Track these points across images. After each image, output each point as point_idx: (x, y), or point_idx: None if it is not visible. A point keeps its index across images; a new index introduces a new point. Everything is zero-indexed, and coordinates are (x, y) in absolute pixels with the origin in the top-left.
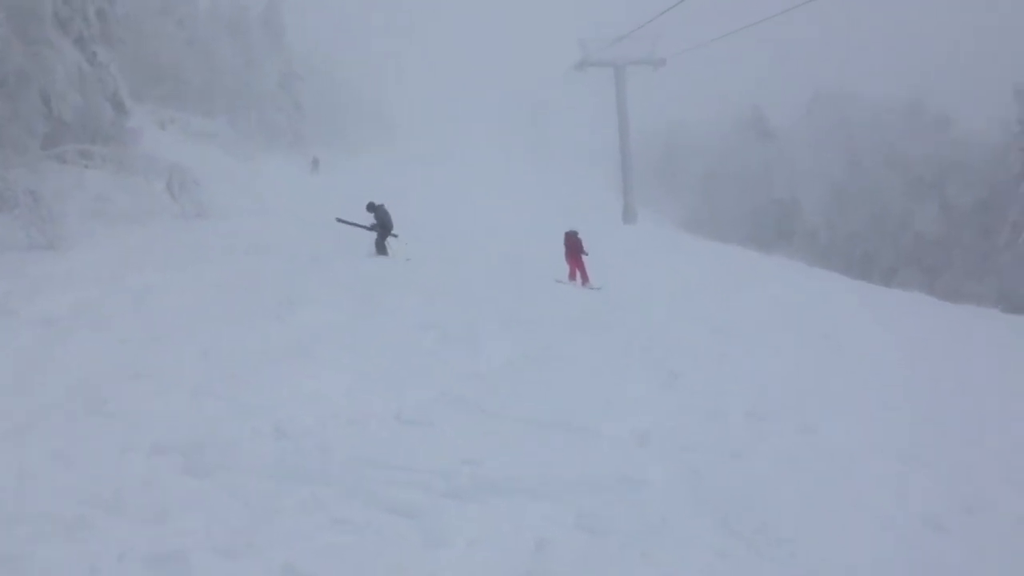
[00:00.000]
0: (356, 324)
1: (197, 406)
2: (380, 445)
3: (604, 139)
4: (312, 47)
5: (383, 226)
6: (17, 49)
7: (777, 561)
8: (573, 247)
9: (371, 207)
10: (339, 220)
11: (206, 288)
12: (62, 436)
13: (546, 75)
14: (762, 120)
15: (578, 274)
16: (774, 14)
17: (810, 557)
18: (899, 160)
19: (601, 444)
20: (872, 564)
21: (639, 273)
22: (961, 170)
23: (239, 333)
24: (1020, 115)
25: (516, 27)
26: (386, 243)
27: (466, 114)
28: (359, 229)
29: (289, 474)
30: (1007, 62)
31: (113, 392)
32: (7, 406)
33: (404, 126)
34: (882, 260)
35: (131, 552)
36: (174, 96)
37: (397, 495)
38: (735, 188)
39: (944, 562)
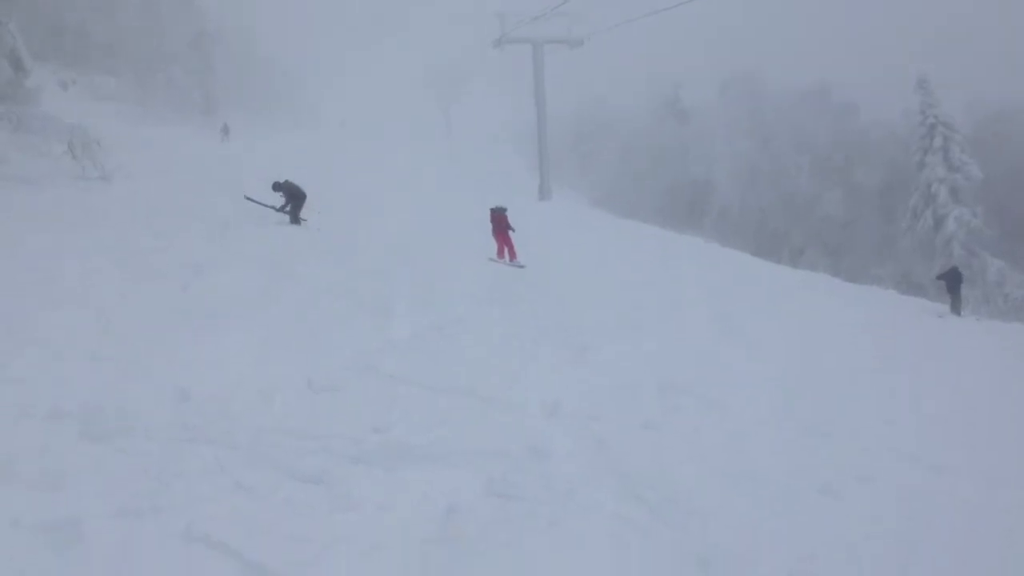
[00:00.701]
0: (265, 291)
1: (95, 371)
2: (288, 411)
3: (521, 116)
4: (229, 11)
5: (294, 196)
6: None
7: (681, 528)
8: (499, 223)
9: (276, 186)
10: (248, 199)
11: (108, 252)
12: None
13: (465, 51)
14: (678, 100)
15: (506, 250)
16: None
17: (712, 524)
18: (807, 144)
19: (511, 413)
20: (770, 530)
21: (553, 249)
22: (866, 155)
23: (143, 298)
24: (921, 104)
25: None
26: (300, 214)
27: (385, 91)
28: (270, 209)
29: (192, 438)
30: (911, 52)
31: (7, 356)
32: None
33: (321, 97)
34: (792, 240)
35: (26, 518)
36: (77, 56)
37: (305, 460)
38: (650, 167)
39: (838, 529)
